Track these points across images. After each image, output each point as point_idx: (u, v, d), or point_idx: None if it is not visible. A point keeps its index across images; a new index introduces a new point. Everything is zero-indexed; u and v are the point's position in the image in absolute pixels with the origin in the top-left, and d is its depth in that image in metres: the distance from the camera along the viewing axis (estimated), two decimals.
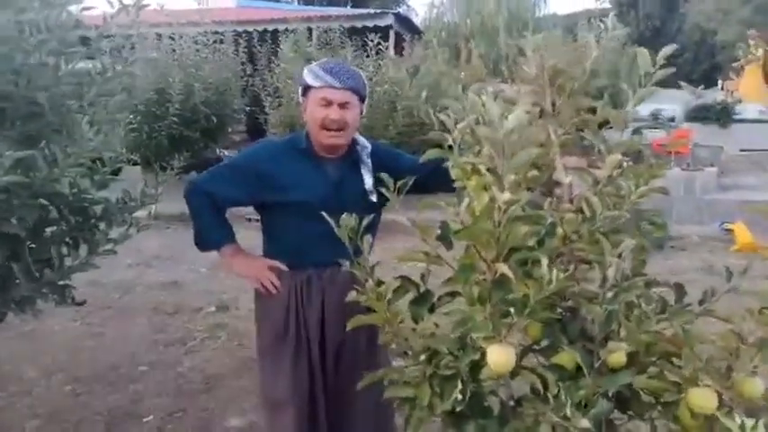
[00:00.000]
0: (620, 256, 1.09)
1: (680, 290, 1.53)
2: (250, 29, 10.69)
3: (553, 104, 1.46)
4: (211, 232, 1.85)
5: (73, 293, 2.16)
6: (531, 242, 1.10)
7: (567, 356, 1.19)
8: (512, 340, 1.14)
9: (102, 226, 2.33)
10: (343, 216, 1.32)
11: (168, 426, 2.70)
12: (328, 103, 1.71)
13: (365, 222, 1.29)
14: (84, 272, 2.14)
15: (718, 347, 1.19)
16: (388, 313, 1.27)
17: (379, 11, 12.44)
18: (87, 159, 2.36)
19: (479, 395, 1.19)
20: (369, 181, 1.77)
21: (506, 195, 0.93)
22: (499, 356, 1.10)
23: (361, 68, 7.09)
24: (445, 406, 1.16)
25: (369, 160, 1.79)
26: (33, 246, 2.07)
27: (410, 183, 1.29)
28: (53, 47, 1.84)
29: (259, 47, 8.67)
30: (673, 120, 14.67)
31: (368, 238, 1.28)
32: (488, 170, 0.99)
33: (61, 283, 2.16)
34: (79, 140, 2.03)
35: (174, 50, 6.37)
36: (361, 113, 1.80)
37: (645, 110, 16.00)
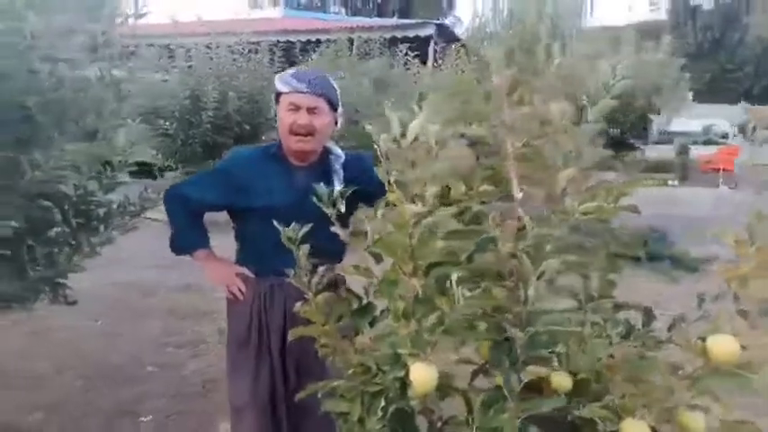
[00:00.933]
0: (540, 276, 1.03)
1: (648, 314, 1.46)
2: (293, 39, 10.90)
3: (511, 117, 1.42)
4: (185, 236, 1.89)
5: (66, 293, 2.23)
6: (457, 257, 1.06)
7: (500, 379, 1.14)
8: (447, 357, 1.11)
9: (101, 228, 2.40)
10: (292, 225, 1.31)
11: (163, 427, 2.74)
12: (296, 108, 1.74)
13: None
14: (74, 272, 2.21)
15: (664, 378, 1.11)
16: (327, 326, 1.25)
17: (420, 21, 12.46)
18: (98, 163, 2.45)
19: (407, 414, 1.15)
20: (336, 185, 1.76)
21: (413, 208, 0.90)
22: (419, 375, 1.06)
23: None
24: (372, 423, 1.13)
25: (341, 170, 1.78)
26: (33, 245, 2.15)
27: (346, 195, 1.27)
28: (45, 53, 1.91)
29: (301, 56, 8.83)
30: (725, 136, 14.09)
31: (306, 247, 1.26)
32: (396, 182, 0.96)
33: (58, 281, 2.25)
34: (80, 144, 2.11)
35: (211, 59, 6.55)
36: (336, 123, 1.80)
37: (697, 125, 15.41)
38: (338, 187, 1.78)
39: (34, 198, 2.02)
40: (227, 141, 6.95)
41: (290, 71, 1.82)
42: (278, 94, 1.79)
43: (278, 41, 8.09)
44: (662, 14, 30.79)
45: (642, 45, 10.28)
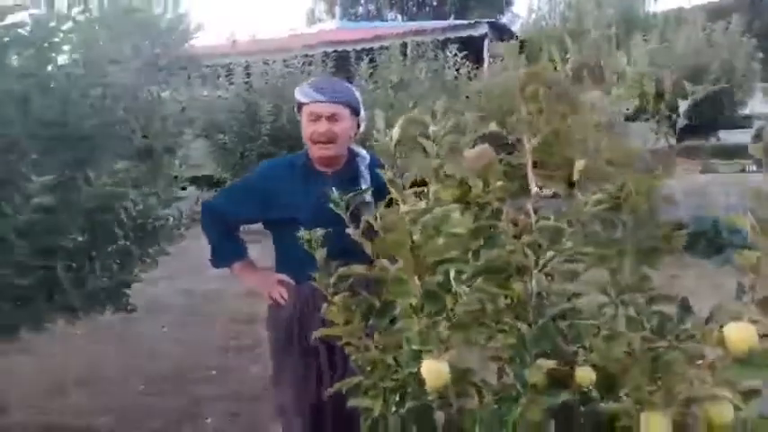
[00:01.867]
0: (544, 267, 1.03)
1: (684, 308, 1.41)
2: (348, 48, 11.09)
3: (529, 113, 1.41)
4: (222, 250, 1.97)
5: (127, 301, 2.38)
6: (464, 254, 1.07)
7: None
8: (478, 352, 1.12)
9: (157, 241, 2.55)
10: (316, 230, 1.37)
11: (221, 428, 2.87)
12: (317, 118, 1.81)
13: None
14: (135, 282, 2.36)
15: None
16: (350, 326, 1.28)
17: (473, 21, 12.36)
18: (156, 179, 2.62)
19: (426, 409, 1.17)
20: (367, 194, 1.80)
21: (404, 207, 0.92)
22: (429, 370, 1.08)
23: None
24: (392, 419, 1.15)
25: (367, 172, 1.82)
26: (94, 257, 2.31)
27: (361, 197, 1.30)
28: (96, 81, 2.06)
29: (356, 65, 8.97)
30: None
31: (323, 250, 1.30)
32: (390, 181, 0.98)
33: (120, 291, 2.40)
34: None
35: (266, 74, 6.78)
36: (359, 126, 1.84)
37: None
38: (368, 196, 1.83)
39: (94, 213, 2.18)
40: (283, 152, 7.16)
41: (309, 81, 1.89)
42: (299, 105, 1.86)
43: (329, 52, 8.25)
44: None
45: (707, 26, 9.74)
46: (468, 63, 7.57)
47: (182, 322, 4.41)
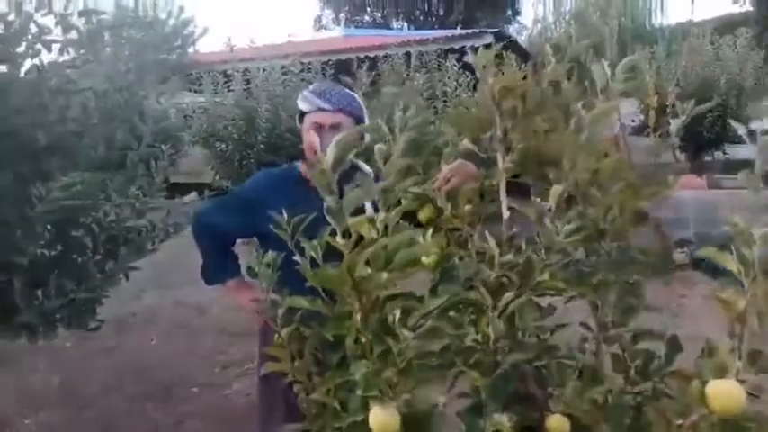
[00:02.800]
0: (505, 308, 0.91)
1: (673, 345, 1.29)
2: (352, 56, 11.00)
3: (504, 130, 1.30)
4: (216, 267, 1.85)
5: (91, 319, 2.26)
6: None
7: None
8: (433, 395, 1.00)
9: (123, 253, 2.42)
10: (269, 252, 1.26)
11: None
12: (320, 127, 1.71)
13: None
14: (99, 299, 2.25)
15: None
16: (296, 362, 1.17)
17: (477, 30, 12.26)
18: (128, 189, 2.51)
19: None
20: (368, 208, 1.68)
21: (340, 239, 0.81)
22: (376, 419, 0.96)
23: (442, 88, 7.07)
24: None
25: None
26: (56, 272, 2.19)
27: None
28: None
29: (357, 73, 8.87)
30: None
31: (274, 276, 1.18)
32: (329, 210, 0.87)
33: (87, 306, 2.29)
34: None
35: (265, 81, 6.69)
36: (363, 138, 1.73)
37: None
38: (369, 210, 1.71)
39: (59, 225, 2.07)
40: (280, 161, 7.06)
41: (311, 88, 1.78)
42: (301, 114, 1.76)
43: (329, 61, 8.17)
44: (746, 5, 28.80)
45: (715, 39, 9.58)
46: (467, 73, 7.45)
47: (172, 335, 4.32)
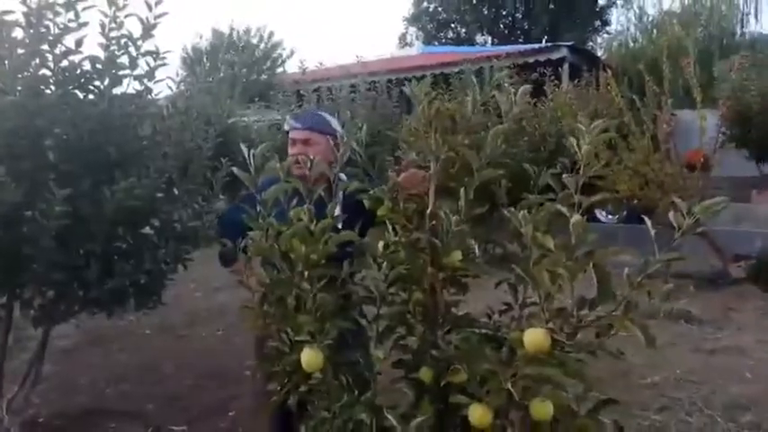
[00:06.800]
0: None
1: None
2: (427, 74, 11.40)
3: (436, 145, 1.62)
4: (230, 253, 2.26)
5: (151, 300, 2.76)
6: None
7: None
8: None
9: (189, 250, 2.92)
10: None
11: (243, 419, 3.21)
12: (294, 142, 2.17)
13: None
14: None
15: None
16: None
17: (552, 44, 12.27)
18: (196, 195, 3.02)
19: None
20: (336, 210, 2.04)
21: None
22: (307, 357, 1.31)
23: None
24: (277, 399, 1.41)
25: (340, 194, 2.07)
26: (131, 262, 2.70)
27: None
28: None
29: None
30: None
31: None
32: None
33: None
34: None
35: (332, 100, 7.22)
36: (338, 149, 2.11)
37: None
38: (337, 212, 2.08)
39: (119, 224, 2.57)
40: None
41: (293, 114, 2.21)
42: (286, 133, 2.20)
43: (390, 79, 8.59)
44: None
45: None
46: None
47: (236, 326, 4.82)
